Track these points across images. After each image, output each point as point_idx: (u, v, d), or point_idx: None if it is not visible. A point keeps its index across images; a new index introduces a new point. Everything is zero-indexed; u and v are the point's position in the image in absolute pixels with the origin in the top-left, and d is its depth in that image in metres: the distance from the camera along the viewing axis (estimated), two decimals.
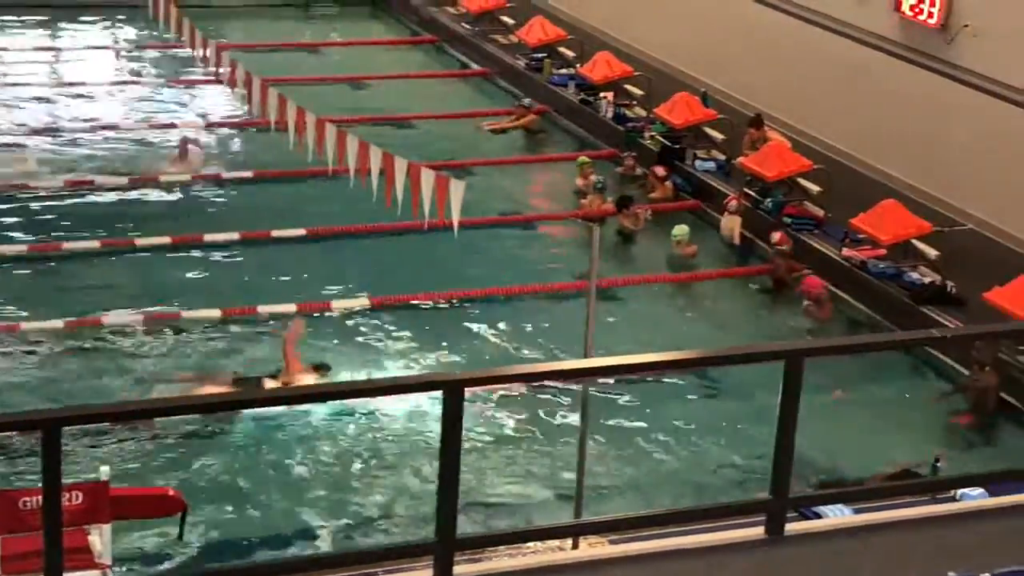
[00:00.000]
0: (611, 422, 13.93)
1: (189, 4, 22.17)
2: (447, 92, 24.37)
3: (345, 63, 25.59)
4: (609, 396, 14.25)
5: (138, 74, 24.26)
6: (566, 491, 12.37)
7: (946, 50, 18.30)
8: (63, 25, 26.77)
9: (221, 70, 18.68)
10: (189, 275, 16.88)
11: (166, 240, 17.63)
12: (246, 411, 13.27)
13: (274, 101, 16.24)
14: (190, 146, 20.22)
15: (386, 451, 13.43)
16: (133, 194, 19.20)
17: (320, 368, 14.39)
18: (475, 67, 25.40)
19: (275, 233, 18.01)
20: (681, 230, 17.83)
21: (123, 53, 25.55)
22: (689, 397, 14.67)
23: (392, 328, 15.82)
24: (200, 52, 19.37)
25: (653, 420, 14.18)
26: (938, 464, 11.97)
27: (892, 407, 14.73)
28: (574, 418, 12.36)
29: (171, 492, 9.80)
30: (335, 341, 15.44)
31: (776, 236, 17.03)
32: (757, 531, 8.27)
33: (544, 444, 13.64)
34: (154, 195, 19.25)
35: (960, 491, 10.39)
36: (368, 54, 26.56)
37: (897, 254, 16.62)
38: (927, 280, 16.20)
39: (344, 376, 14.37)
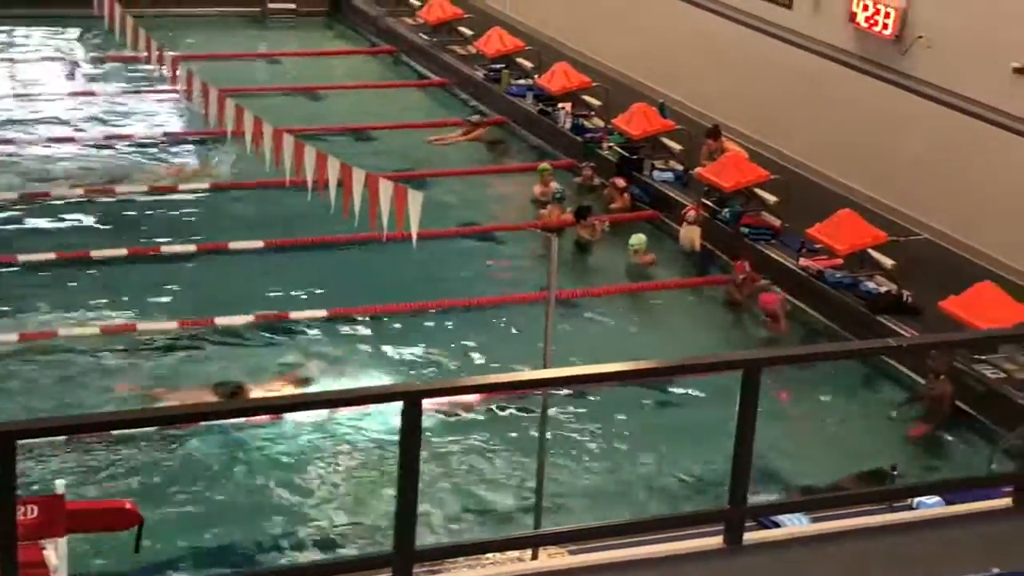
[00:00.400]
0: (570, 432, 13.93)
1: (145, 15, 22.07)
2: (405, 102, 24.36)
3: (302, 73, 25.53)
4: (568, 406, 14.25)
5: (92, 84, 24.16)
6: (525, 501, 12.38)
7: (901, 61, 18.44)
8: (17, 35, 26.59)
9: (177, 81, 18.59)
10: (146, 287, 16.76)
11: (122, 252, 17.52)
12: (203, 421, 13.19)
13: (231, 111, 16.18)
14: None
15: (347, 462, 13.39)
16: (88, 206, 19.07)
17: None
18: (433, 78, 25.41)
19: (232, 244, 17.94)
20: (639, 240, 17.88)
21: (78, 64, 25.39)
22: (648, 407, 14.69)
23: (350, 339, 15.78)
24: (156, 63, 19.27)
25: (612, 430, 14.19)
26: (895, 473, 12.02)
27: (848, 416, 14.80)
28: (533, 428, 12.35)
29: (127, 505, 9.72)
30: (293, 352, 15.38)
31: (737, 265, 17.00)
32: (716, 540, 8.29)
33: (503, 454, 13.63)
34: (110, 207, 19.12)
35: (917, 499, 10.45)
36: (326, 64, 26.52)
37: (853, 264, 16.71)
38: (883, 289, 16.30)
39: (303, 387, 14.31)
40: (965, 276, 15.91)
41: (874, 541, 8.56)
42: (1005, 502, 9.21)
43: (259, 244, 17.97)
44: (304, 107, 23.54)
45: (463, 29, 25.86)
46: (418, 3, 27.19)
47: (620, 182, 19.65)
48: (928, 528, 8.82)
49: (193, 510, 12.51)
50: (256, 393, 14.02)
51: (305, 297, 16.64)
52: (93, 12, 20.84)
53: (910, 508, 10.18)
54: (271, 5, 28.85)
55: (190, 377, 14.65)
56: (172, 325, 15.65)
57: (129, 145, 21.37)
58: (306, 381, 14.55)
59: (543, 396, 10.75)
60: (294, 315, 16.10)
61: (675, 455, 13.78)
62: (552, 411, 11.49)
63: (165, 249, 17.71)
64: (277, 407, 10.01)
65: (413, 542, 7.37)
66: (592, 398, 14.55)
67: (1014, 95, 16.88)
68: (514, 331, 16.06)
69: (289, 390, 14.21)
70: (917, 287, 16.05)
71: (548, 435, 10.96)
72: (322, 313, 16.18)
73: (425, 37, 26.32)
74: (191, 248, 17.79)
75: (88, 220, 18.68)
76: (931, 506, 10.01)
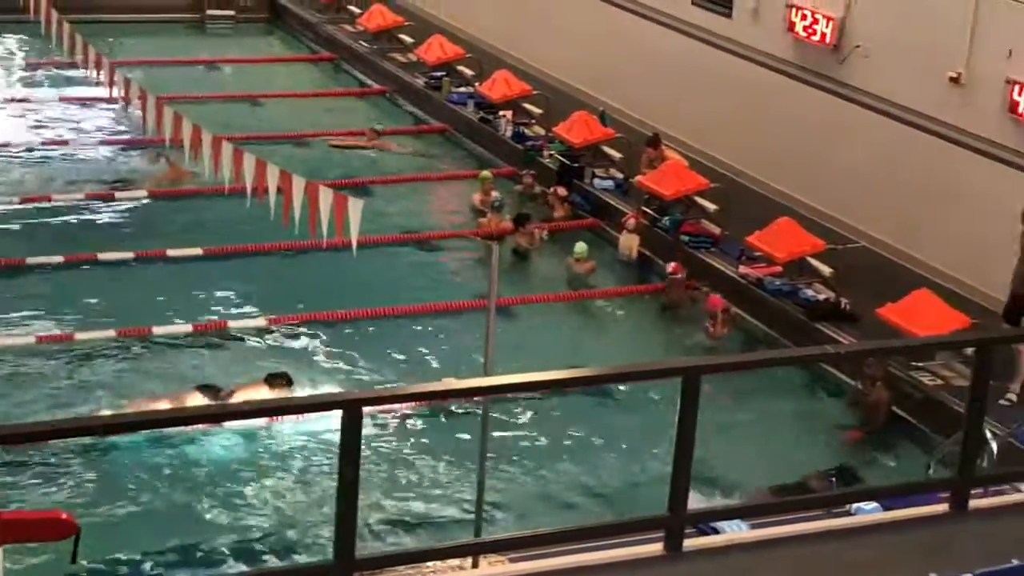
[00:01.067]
0: (511, 440, 13.92)
1: (81, 20, 21.85)
2: (346, 110, 24.28)
3: (242, 80, 25.39)
4: (509, 414, 14.24)
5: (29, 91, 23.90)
6: (466, 509, 12.36)
7: (839, 70, 18.59)
8: None
9: (115, 88, 18.42)
10: (83, 295, 16.59)
11: (59, 259, 17.34)
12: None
13: (169, 118, 16.05)
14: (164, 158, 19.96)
15: (285, 470, 13.31)
16: (26, 214, 18.87)
17: (277, 380, 14.35)
18: (373, 85, 25.35)
19: (171, 252, 17.80)
20: (581, 248, 17.91)
21: (12, 69, 25.12)
22: (589, 414, 14.70)
23: (290, 348, 15.70)
24: (93, 69, 19.09)
25: (553, 437, 14.20)
26: (833, 479, 12.11)
27: (788, 422, 14.88)
28: (473, 436, 12.32)
29: (63, 515, 9.59)
30: (232, 361, 15.29)
31: (671, 267, 17.08)
32: (656, 548, 8.31)
33: (443, 462, 13.60)
34: (47, 215, 18.93)
35: (855, 505, 10.52)
36: (265, 71, 26.38)
37: (792, 271, 16.82)
38: (822, 297, 16.41)
39: (243, 396, 14.21)
40: (902, 284, 16.06)
41: (813, 547, 8.60)
42: (942, 508, 9.29)
43: (198, 251, 17.83)
44: (243, 114, 23.41)
45: (403, 36, 25.82)
46: (358, 10, 27.12)
47: (561, 191, 19.67)
48: (866, 534, 8.88)
49: (130, 520, 12.39)
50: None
51: (244, 305, 16.53)
52: (29, 17, 20.63)
53: (848, 514, 10.26)
54: (210, 11, 28.68)
55: (132, 387, 14.51)
56: (110, 333, 15.50)
57: (64, 152, 21.15)
58: (247, 389, 14.45)
59: (483, 404, 10.73)
60: (233, 324, 15.99)
61: (615, 462, 13.80)
62: (493, 418, 11.47)
63: (102, 256, 17.55)
64: (215, 416, 9.94)
65: (353, 550, 7.33)
66: (532, 406, 14.53)
67: (949, 104, 17.05)
68: (455, 339, 16.03)
69: (228, 399, 14.11)
70: (855, 295, 16.17)
71: (489, 443, 10.94)
72: (261, 322, 16.09)
73: (365, 44, 26.25)
74: (129, 255, 17.64)
75: (23, 227, 18.46)
76: (869, 512, 10.08)
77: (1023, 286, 14.37)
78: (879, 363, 14.54)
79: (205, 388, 14.29)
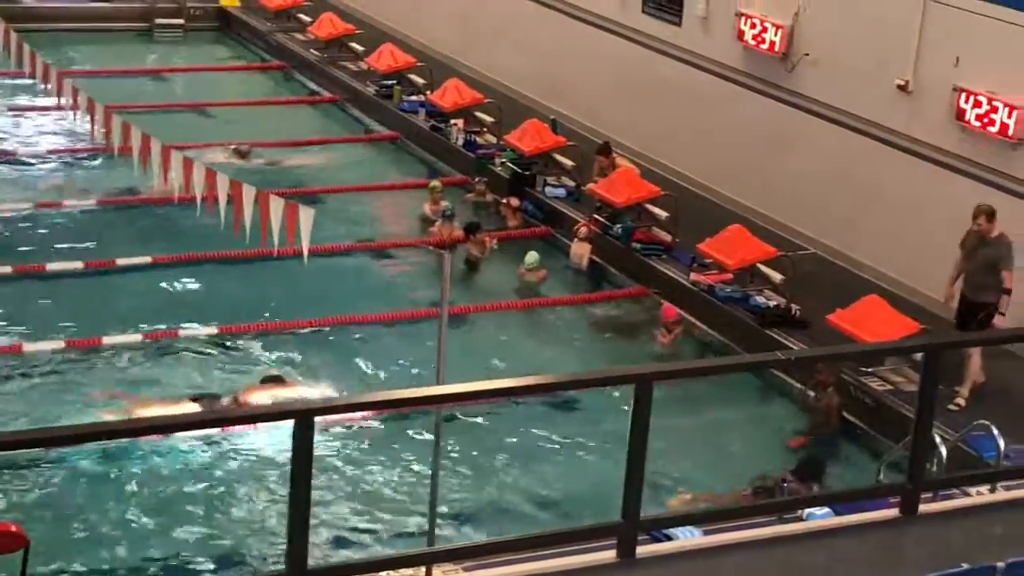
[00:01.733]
0: (464, 448, 13.91)
1: (29, 29, 21.70)
2: (296, 118, 24.20)
3: (191, 89, 25.26)
4: (462, 422, 14.23)
5: None
6: (419, 518, 12.33)
7: (788, 78, 18.71)
8: None
9: (63, 97, 18.28)
10: (32, 305, 16.46)
11: (7, 270, 17.18)
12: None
13: (118, 128, 15.95)
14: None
15: (237, 480, 13.24)
16: None
17: (274, 380, 14.45)
18: (324, 94, 25.28)
19: (120, 261, 17.68)
20: (532, 257, 17.92)
21: None
22: (541, 422, 14.71)
23: (241, 357, 15.62)
24: (41, 78, 18.94)
25: (506, 445, 14.20)
26: (785, 484, 12.16)
27: (739, 428, 14.95)
28: (427, 445, 12.29)
29: (13, 528, 9.51)
30: (183, 370, 15.20)
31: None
32: (609, 555, 8.32)
33: (395, 471, 13.57)
34: None
35: (807, 511, 10.57)
36: (215, 80, 26.26)
37: (743, 278, 16.90)
38: (773, 304, 16.50)
39: (196, 406, 14.14)
40: (852, 290, 16.16)
41: (765, 552, 8.64)
42: (892, 512, 9.35)
43: (147, 260, 17.73)
44: (193, 123, 23.29)
45: (354, 45, 25.77)
46: (308, 19, 27.05)
47: (514, 201, 19.68)
48: (818, 539, 8.94)
49: (80, 531, 12.29)
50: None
51: (195, 314, 16.44)
52: None
53: (800, 519, 10.31)
54: (159, 20, 28.48)
55: (80, 398, 14.41)
56: (59, 344, 15.38)
57: (11, 161, 20.97)
58: (199, 400, 14.37)
59: (436, 412, 10.71)
60: (183, 332, 15.91)
61: (568, 469, 13.81)
62: (446, 426, 11.45)
63: (51, 267, 17.41)
64: (167, 426, 9.87)
65: (305, 560, 7.30)
66: (485, 413, 14.53)
67: (897, 111, 17.20)
68: (406, 348, 16.00)
69: (180, 408, 14.02)
70: (805, 301, 16.26)
71: (442, 451, 10.93)
72: (212, 330, 16.00)
73: (316, 53, 26.18)
74: (78, 265, 17.52)
75: None
76: (820, 517, 10.13)
77: (974, 291, 14.44)
78: (830, 369, 14.63)
79: (200, 398, 14.26)
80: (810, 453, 13.72)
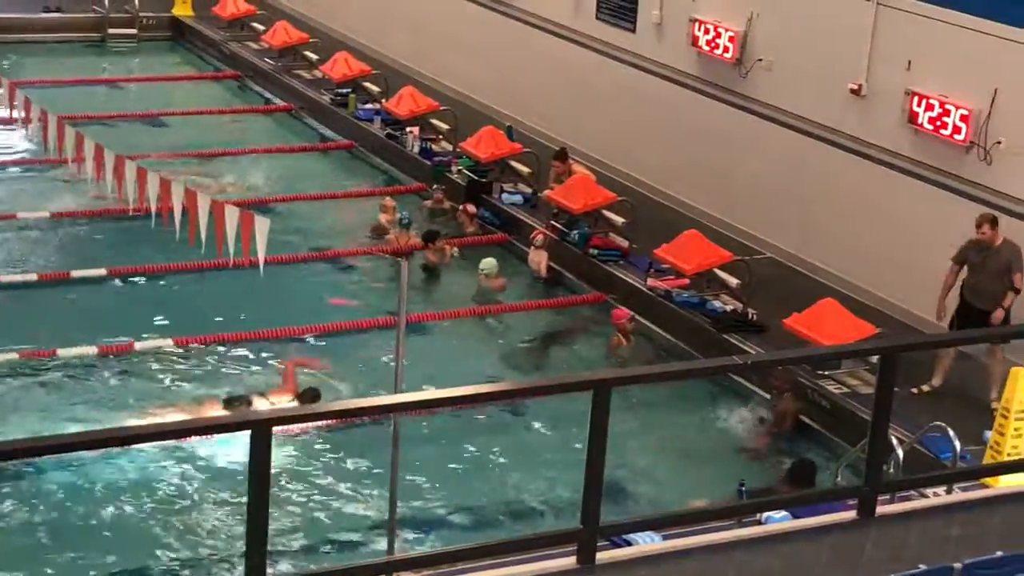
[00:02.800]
0: (423, 456, 13.88)
1: None
2: (251, 128, 24.11)
3: (145, 98, 25.12)
4: (421, 430, 14.20)
5: None
6: (378, 527, 12.30)
7: (742, 84, 18.80)
8: None
9: (15, 107, 18.13)
10: None
11: None
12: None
13: (71, 138, 15.84)
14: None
15: (194, 492, 13.17)
16: None
17: (308, 394, 14.46)
18: (279, 102, 25.20)
19: (75, 273, 17.57)
20: (488, 263, 17.90)
21: None
22: (501, 429, 14.71)
23: (197, 368, 15.54)
24: None
25: (466, 453, 14.18)
26: (743, 488, 12.19)
27: (697, 433, 14.98)
28: (386, 454, 12.26)
29: None
30: (138, 382, 15.11)
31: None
32: (569, 561, 8.34)
33: (354, 481, 13.53)
34: None
35: (765, 514, 10.62)
36: (168, 89, 26.12)
37: (700, 283, 16.94)
38: (729, 308, 16.55)
39: (150, 419, 14.05)
40: (808, 293, 16.24)
41: (724, 556, 8.68)
42: (850, 515, 9.41)
43: (102, 272, 17.62)
44: (146, 133, 23.16)
45: (308, 53, 25.70)
46: (262, 27, 26.96)
47: (471, 208, 19.67)
48: (776, 542, 8.98)
49: (37, 544, 12.19)
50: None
51: (150, 326, 16.35)
52: None
53: (759, 523, 10.35)
54: (112, 30, 28.32)
55: (37, 410, 14.30)
56: (12, 356, 15.25)
57: None
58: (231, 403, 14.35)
59: (394, 421, 10.70)
60: (139, 345, 15.81)
61: (529, 476, 13.81)
62: (404, 435, 11.42)
63: (4, 279, 17.27)
64: (121, 439, 9.78)
65: (264, 571, 7.27)
66: (445, 421, 14.51)
67: (851, 115, 17.30)
68: (365, 356, 15.96)
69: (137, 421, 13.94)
70: (762, 305, 16.33)
71: (401, 459, 10.91)
72: (168, 342, 15.91)
73: (270, 61, 26.10)
74: (32, 277, 17.39)
75: None
76: (779, 521, 10.18)
77: (986, 301, 14.35)
78: (786, 373, 14.69)
79: (231, 401, 14.37)
80: (801, 458, 13.75)
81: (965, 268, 14.60)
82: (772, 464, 14.33)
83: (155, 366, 15.50)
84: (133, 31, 28.47)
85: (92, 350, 15.55)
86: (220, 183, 20.84)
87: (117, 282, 17.53)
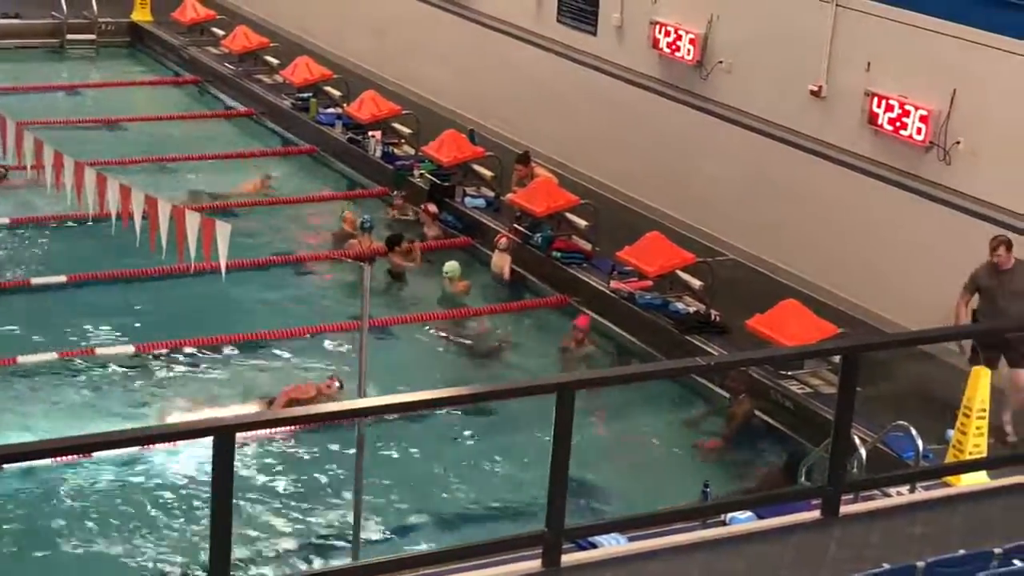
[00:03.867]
0: (388, 461, 13.86)
1: None
2: (211, 133, 24.01)
3: (104, 104, 24.96)
4: (385, 435, 14.17)
5: None
6: (343, 532, 12.27)
7: (703, 86, 18.85)
8: None
9: None
10: None
11: None
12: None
13: (30, 144, 15.72)
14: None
15: (156, 499, 13.11)
16: None
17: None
18: (240, 107, 25.11)
19: (35, 280, 17.45)
20: (452, 267, 17.88)
21: None
22: (466, 432, 14.70)
23: (160, 374, 15.46)
24: None
25: (431, 457, 14.16)
26: (707, 490, 12.22)
27: (660, 434, 15.01)
28: (350, 458, 12.24)
29: None
30: (101, 389, 15.02)
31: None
32: (534, 564, 8.33)
33: (319, 486, 13.48)
34: None
35: (729, 515, 10.64)
36: (128, 95, 25.97)
37: (663, 285, 16.98)
38: (692, 310, 16.59)
39: (111, 425, 13.95)
40: (770, 295, 16.29)
41: (689, 557, 8.70)
42: (814, 515, 9.44)
43: (62, 279, 17.50)
44: (106, 138, 23.04)
45: (269, 58, 25.62)
46: (222, 32, 26.85)
47: (432, 208, 19.64)
48: (740, 543, 9.00)
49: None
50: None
51: (111, 332, 16.26)
52: None
53: (723, 524, 10.37)
54: (70, 36, 28.13)
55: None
56: None
57: None
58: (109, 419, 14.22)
59: (358, 425, 10.67)
60: (100, 351, 15.71)
61: (495, 479, 13.80)
62: (372, 436, 11.40)
63: None
64: (82, 446, 9.72)
65: None
66: (408, 425, 14.49)
67: (811, 117, 17.37)
68: (328, 361, 15.92)
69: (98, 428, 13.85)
70: (724, 307, 16.37)
71: (365, 464, 10.88)
72: (129, 349, 15.82)
73: (230, 66, 26.00)
74: None
75: None
76: (743, 521, 10.21)
77: (994, 320, 13.95)
78: (742, 376, 14.68)
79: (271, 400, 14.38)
80: (790, 451, 13.77)
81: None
82: (730, 465, 14.38)
83: (117, 372, 15.40)
84: (92, 37, 28.29)
85: (52, 356, 15.44)
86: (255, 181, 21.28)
87: (77, 288, 17.41)
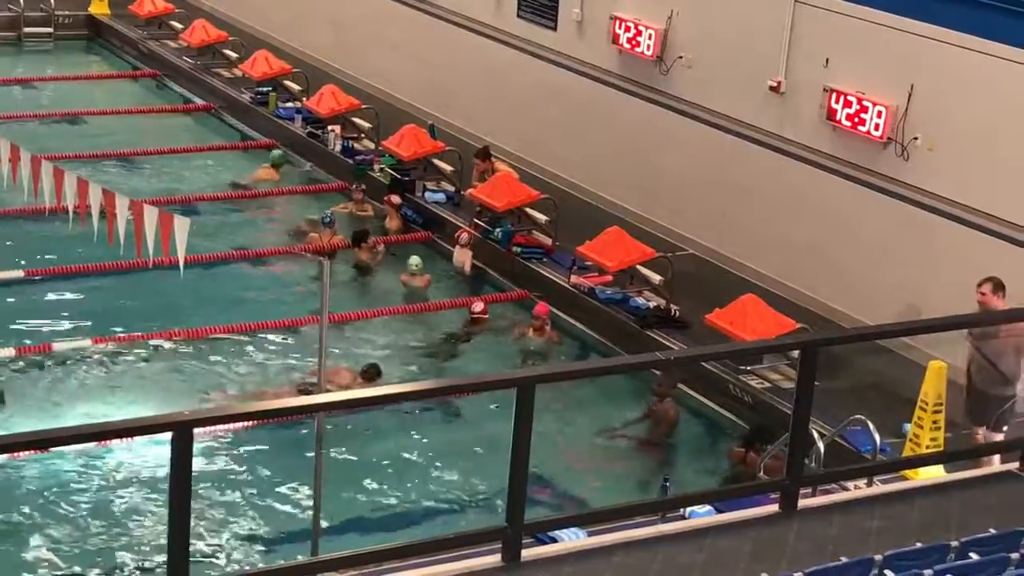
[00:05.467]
0: (348, 455, 13.84)
1: None
2: (170, 127, 23.89)
3: (62, 98, 24.78)
4: (346, 429, 14.15)
5: None
6: (303, 527, 12.23)
7: (663, 81, 18.89)
8: None
9: None
10: None
11: None
12: None
13: None
14: None
15: (113, 495, 13.04)
16: None
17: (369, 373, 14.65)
18: (199, 101, 24.98)
19: None
20: (415, 261, 17.87)
21: None
22: (427, 426, 14.68)
23: (118, 370, 15.38)
24: None
25: (391, 451, 14.14)
26: (667, 484, 12.25)
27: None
28: (309, 453, 12.21)
29: None
30: (58, 384, 14.93)
31: (478, 307, 17.03)
32: (494, 559, 8.34)
33: (278, 481, 13.44)
34: None
35: (689, 509, 10.67)
36: (86, 89, 25.78)
37: (623, 280, 17.01)
38: (652, 305, 16.63)
39: (70, 421, 13.87)
40: (730, 289, 16.35)
41: (649, 551, 8.72)
42: (772, 509, 9.49)
43: (19, 274, 17.37)
44: (64, 132, 22.88)
45: (228, 52, 25.50)
46: (180, 26, 26.71)
47: (396, 199, 19.61)
48: (699, 537, 9.04)
49: None
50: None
51: (68, 327, 16.15)
52: None
53: (683, 518, 10.40)
54: (27, 29, 27.92)
55: None
56: None
57: None
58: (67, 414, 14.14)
59: (318, 420, 10.65)
60: (57, 346, 15.61)
61: (456, 474, 13.80)
62: (332, 430, 11.38)
63: None
64: (41, 441, 9.67)
65: (187, 573, 7.21)
66: (369, 420, 14.47)
67: (770, 112, 17.44)
68: (288, 356, 15.87)
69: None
70: (684, 301, 16.42)
71: (325, 459, 10.85)
72: (86, 343, 15.72)
73: (189, 60, 25.87)
74: None
75: None
76: (703, 515, 10.24)
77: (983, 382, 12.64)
78: (667, 378, 14.62)
79: (308, 387, 14.37)
80: (758, 422, 13.79)
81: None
82: (694, 461, 14.45)
83: (73, 367, 15.31)
84: (49, 30, 28.09)
85: (9, 352, 15.33)
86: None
87: (34, 283, 17.29)
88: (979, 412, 12.52)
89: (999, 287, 12.53)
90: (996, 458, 11.30)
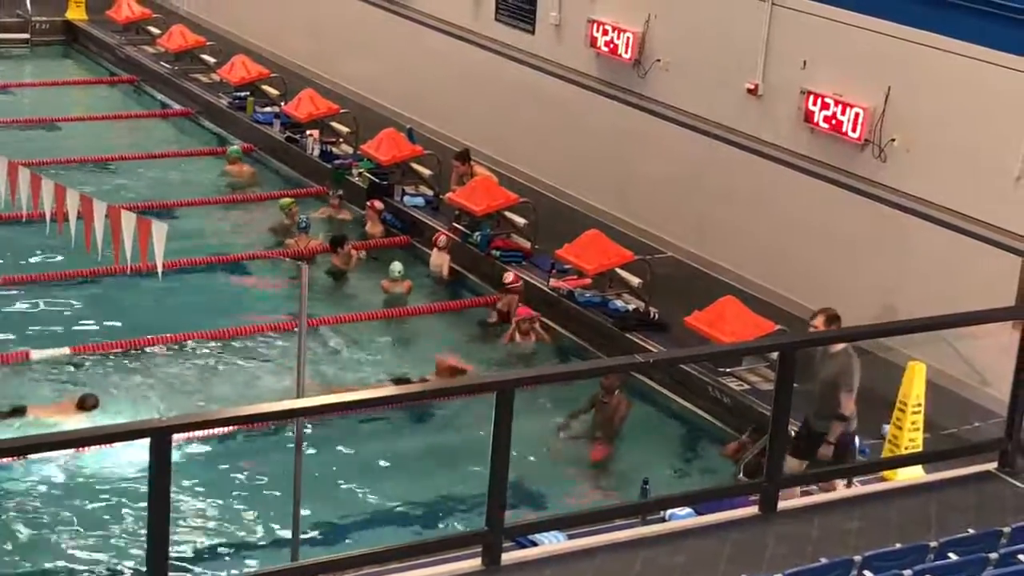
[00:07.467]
0: (328, 460, 13.81)
1: None
2: (148, 132, 23.83)
3: (39, 104, 24.71)
4: (325, 434, 14.12)
5: None
6: (283, 532, 12.21)
7: (641, 84, 18.91)
8: None
9: None
10: None
11: None
12: None
13: None
14: None
15: (93, 501, 12.99)
16: None
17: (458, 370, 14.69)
18: (176, 106, 24.93)
19: None
20: (396, 267, 17.85)
21: None
22: (407, 432, 14.67)
23: (97, 376, 15.32)
24: None
25: (371, 456, 14.12)
26: (647, 486, 12.26)
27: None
28: (289, 458, 12.18)
29: None
30: (36, 392, 14.86)
31: (509, 276, 17.08)
32: (474, 563, 8.33)
33: (257, 487, 13.41)
34: None
35: (669, 512, 10.68)
36: (63, 94, 25.74)
37: (602, 283, 17.02)
38: (631, 307, 16.65)
39: (49, 428, 13.83)
40: (708, 292, 16.37)
41: (629, 554, 8.73)
42: (752, 511, 9.50)
43: None
44: (41, 138, 22.81)
45: (206, 57, 25.46)
46: (158, 31, 26.65)
47: (378, 204, 19.59)
48: (679, 539, 9.04)
49: None
50: None
51: (47, 334, 16.09)
52: None
53: (663, 520, 10.41)
54: (3, 35, 27.84)
55: None
56: None
57: None
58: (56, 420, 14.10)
59: (296, 425, 10.63)
60: (35, 354, 15.54)
61: (436, 478, 13.78)
62: (308, 436, 11.38)
63: None
64: (19, 448, 9.61)
65: None
66: (349, 425, 14.44)
67: (748, 115, 17.47)
68: (267, 361, 15.84)
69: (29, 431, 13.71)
70: (663, 304, 16.44)
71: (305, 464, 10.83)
72: (64, 351, 15.65)
73: (166, 65, 25.82)
74: None
75: None
76: (683, 518, 10.25)
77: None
78: (616, 376, 14.49)
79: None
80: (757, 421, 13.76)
81: None
82: (678, 463, 14.45)
83: (52, 375, 15.25)
84: (26, 36, 28.02)
85: None
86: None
87: (11, 290, 17.21)
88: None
89: (832, 319, 12.06)
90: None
